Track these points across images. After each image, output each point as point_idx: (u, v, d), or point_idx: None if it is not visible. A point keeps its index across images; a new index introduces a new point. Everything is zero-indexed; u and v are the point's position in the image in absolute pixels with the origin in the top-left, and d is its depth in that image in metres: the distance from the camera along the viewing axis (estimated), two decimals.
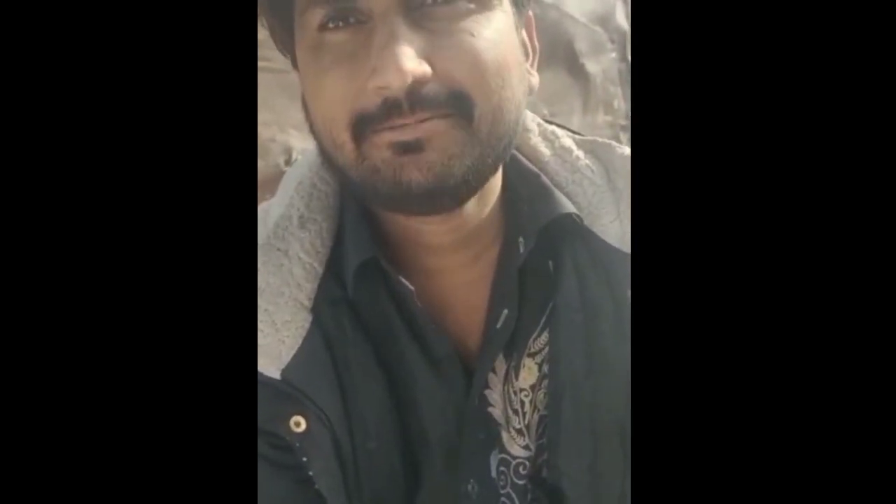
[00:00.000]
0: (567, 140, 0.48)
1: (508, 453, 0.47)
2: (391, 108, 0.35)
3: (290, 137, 0.96)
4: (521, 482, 0.47)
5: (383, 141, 0.37)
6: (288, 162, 0.95)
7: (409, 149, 0.36)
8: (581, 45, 1.47)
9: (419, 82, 0.35)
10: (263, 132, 0.94)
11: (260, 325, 0.42)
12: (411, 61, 0.34)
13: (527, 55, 0.43)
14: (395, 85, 0.34)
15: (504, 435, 0.47)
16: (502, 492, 0.47)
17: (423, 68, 0.35)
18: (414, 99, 0.35)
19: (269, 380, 0.42)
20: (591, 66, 1.48)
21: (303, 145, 0.95)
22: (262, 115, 0.94)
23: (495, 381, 0.46)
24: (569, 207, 0.44)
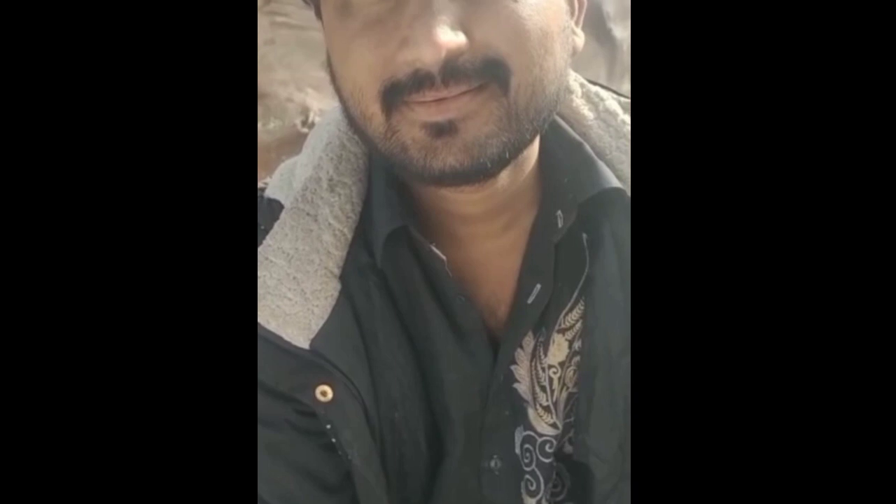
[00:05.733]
0: (612, 103, 0.45)
1: (534, 430, 0.46)
2: (422, 80, 0.33)
3: (307, 97, 0.93)
4: (547, 460, 0.46)
5: (415, 118, 0.34)
6: (305, 122, 0.92)
7: (441, 131, 0.34)
8: (609, 9, 1.41)
9: (453, 55, 0.32)
10: (280, 91, 0.91)
11: (288, 294, 0.41)
12: (445, 34, 0.32)
13: (572, 11, 0.40)
14: (427, 59, 0.32)
15: (530, 412, 0.46)
16: (526, 469, 0.46)
17: (459, 40, 0.32)
18: (447, 71, 0.33)
19: (298, 349, 0.41)
20: (619, 32, 1.42)
21: (320, 105, 0.92)
22: (280, 74, 0.91)
23: (522, 356, 0.45)
24: (612, 181, 0.41)
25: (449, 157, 0.35)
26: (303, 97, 0.92)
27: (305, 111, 0.92)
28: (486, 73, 0.34)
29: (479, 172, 0.36)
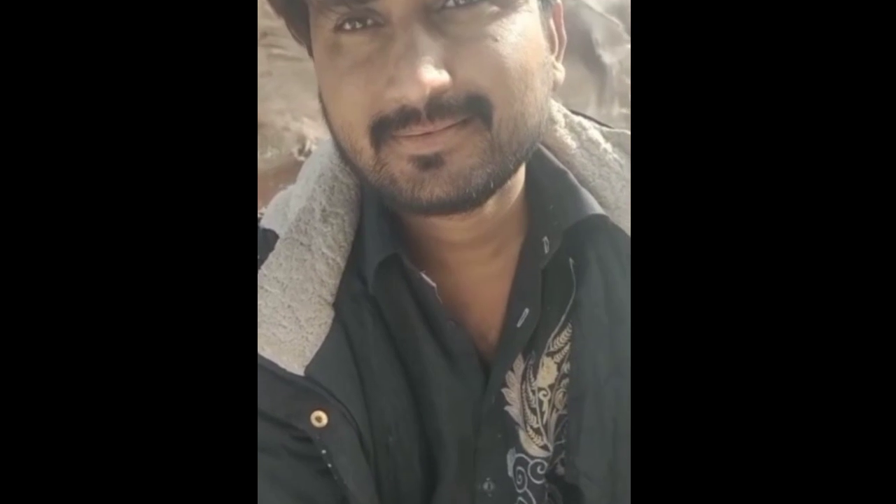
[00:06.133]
0: (594, 132, 0.47)
1: (526, 453, 0.46)
2: (409, 116, 0.35)
3: (303, 126, 0.95)
4: (538, 482, 0.46)
5: (403, 152, 0.36)
6: (302, 151, 0.94)
7: (428, 164, 0.36)
8: (598, 36, 1.45)
9: (437, 92, 0.34)
10: (277, 120, 0.93)
11: (283, 322, 0.42)
12: (430, 73, 0.33)
13: (553, 47, 0.42)
14: (412, 97, 0.33)
15: (521, 434, 0.46)
16: (519, 491, 0.47)
17: (442, 78, 0.34)
18: (432, 108, 0.34)
19: (293, 376, 0.42)
20: (608, 58, 1.45)
21: (317, 134, 0.94)
22: (276, 104, 0.93)
23: (513, 379, 0.46)
24: (596, 208, 0.43)
25: (436, 188, 0.36)
26: (299, 126, 0.94)
27: (302, 140, 0.94)
28: (469, 108, 0.35)
29: (465, 202, 0.37)
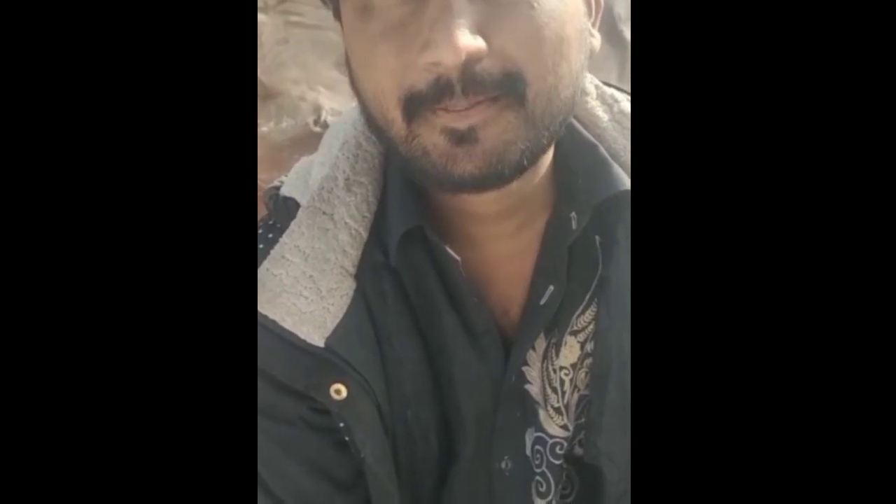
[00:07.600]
0: (627, 105, 0.45)
1: (545, 432, 0.46)
2: (443, 89, 0.34)
3: (319, 96, 0.93)
4: (557, 462, 0.46)
5: (437, 122, 0.35)
6: (317, 122, 0.92)
7: (462, 139, 0.35)
8: (620, 11, 1.41)
9: (473, 59, 0.33)
10: (293, 90, 0.92)
11: (304, 292, 0.41)
12: (465, 37, 0.32)
13: (589, 13, 0.40)
14: (447, 62, 0.33)
15: (541, 413, 0.46)
16: (537, 471, 0.46)
17: (478, 44, 0.33)
18: (466, 79, 0.33)
19: (313, 348, 0.41)
20: (630, 33, 1.42)
21: (332, 105, 0.92)
22: (292, 73, 0.92)
23: (534, 357, 0.45)
24: (627, 184, 0.42)
25: (469, 164, 0.35)
26: (315, 96, 0.93)
27: (318, 110, 0.92)
28: (503, 85, 0.34)
29: (497, 179, 0.36)
